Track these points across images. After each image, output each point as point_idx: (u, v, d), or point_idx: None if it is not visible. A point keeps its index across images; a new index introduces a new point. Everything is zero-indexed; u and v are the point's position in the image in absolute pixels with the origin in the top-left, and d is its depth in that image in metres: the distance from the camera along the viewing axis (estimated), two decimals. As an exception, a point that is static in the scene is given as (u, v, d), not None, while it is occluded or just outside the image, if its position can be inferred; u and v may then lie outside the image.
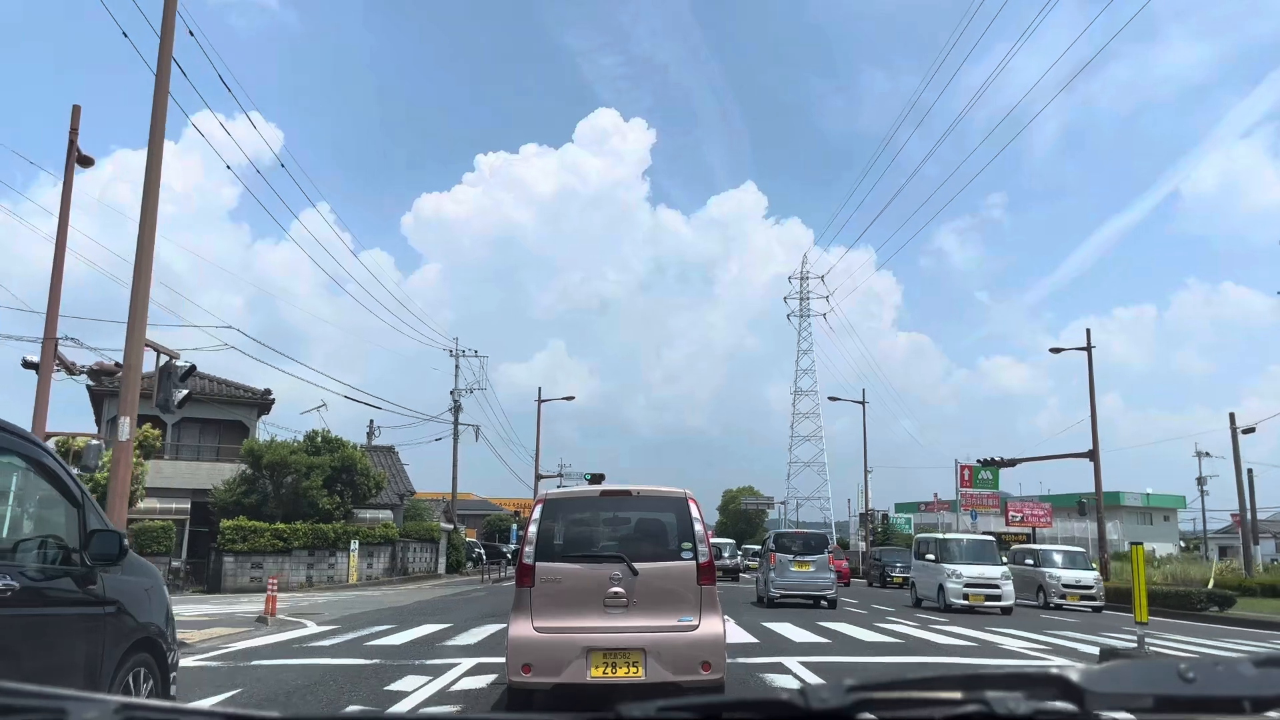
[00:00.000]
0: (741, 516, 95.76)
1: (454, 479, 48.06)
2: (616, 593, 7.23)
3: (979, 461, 42.58)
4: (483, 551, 52.32)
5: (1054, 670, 1.16)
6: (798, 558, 22.22)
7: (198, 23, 16.70)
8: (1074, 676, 1.14)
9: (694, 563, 7.39)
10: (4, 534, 4.98)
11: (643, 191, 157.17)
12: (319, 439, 34.84)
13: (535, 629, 7.17)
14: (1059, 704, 1.14)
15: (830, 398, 59.18)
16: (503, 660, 7.51)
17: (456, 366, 48.53)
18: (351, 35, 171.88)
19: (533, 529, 7.48)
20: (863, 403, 53.04)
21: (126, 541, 5.48)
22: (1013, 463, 39.66)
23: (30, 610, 4.60)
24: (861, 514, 56.84)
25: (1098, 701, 1.13)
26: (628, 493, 7.83)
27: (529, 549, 7.40)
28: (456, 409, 46.87)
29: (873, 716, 1.14)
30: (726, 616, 8.94)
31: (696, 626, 7.24)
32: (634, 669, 7.02)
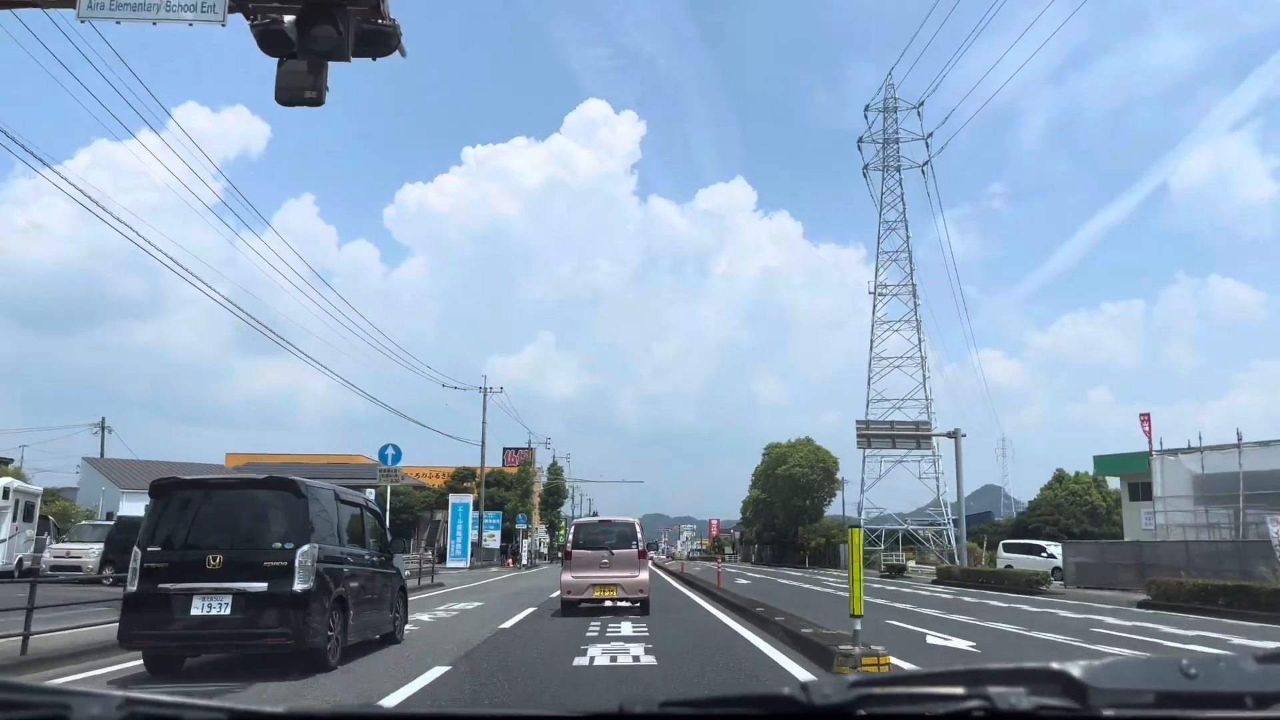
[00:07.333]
0: (795, 488, 63.49)
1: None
2: (605, 561, 16.45)
3: None
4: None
5: (1056, 666, 1.17)
6: None
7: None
8: (1076, 672, 1.16)
9: (636, 550, 16.71)
10: (369, 540, 11.48)
11: (631, 185, 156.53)
12: None
13: (571, 576, 16.46)
14: (1061, 700, 1.16)
15: None
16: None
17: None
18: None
19: (572, 534, 17.48)
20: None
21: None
22: None
23: (377, 569, 11.26)
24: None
25: (1100, 697, 1.15)
26: (610, 520, 17.88)
27: (570, 544, 16.94)
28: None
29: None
30: None
31: (638, 575, 16.36)
32: (611, 592, 16.19)
